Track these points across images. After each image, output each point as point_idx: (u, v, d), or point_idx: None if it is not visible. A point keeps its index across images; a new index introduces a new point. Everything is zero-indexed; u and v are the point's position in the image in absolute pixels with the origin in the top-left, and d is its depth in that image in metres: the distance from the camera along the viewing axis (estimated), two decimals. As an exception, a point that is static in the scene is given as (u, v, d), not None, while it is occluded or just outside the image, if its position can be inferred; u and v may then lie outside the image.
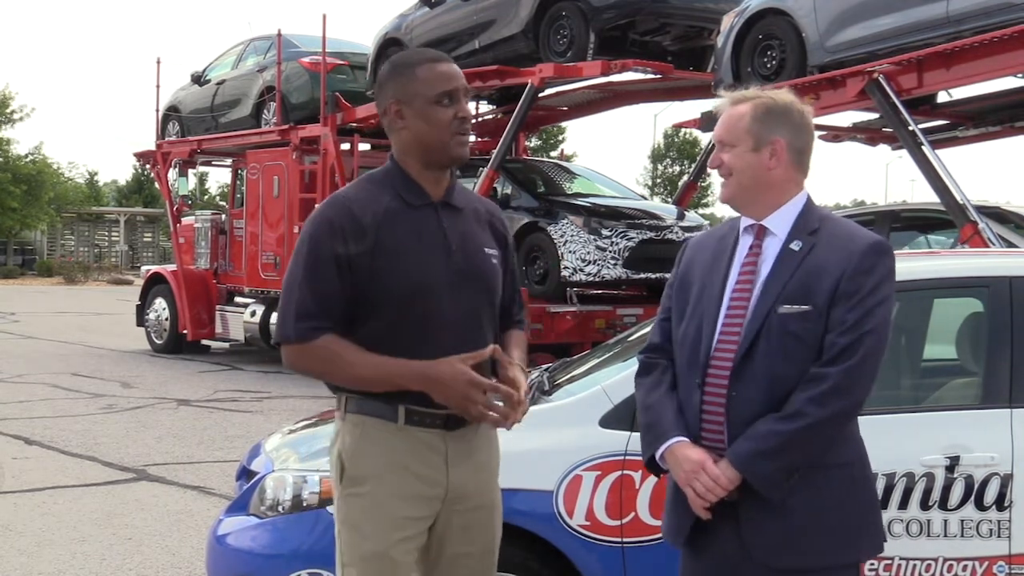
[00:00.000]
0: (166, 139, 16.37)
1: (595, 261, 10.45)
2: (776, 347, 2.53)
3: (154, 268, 17.00)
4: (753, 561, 2.55)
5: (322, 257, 2.57)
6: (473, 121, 14.12)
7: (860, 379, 2.51)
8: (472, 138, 15.73)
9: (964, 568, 3.38)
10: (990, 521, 3.36)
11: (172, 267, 16.12)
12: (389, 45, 12.75)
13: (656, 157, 53.37)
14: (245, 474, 4.20)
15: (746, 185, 2.64)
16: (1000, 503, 3.36)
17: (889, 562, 3.39)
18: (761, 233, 2.65)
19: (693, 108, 43.67)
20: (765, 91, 2.71)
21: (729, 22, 9.23)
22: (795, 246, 2.60)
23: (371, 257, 2.58)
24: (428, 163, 2.67)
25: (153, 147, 16.59)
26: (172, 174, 15.60)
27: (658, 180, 52.37)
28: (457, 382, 2.53)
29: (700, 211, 38.79)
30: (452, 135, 2.64)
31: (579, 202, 11.18)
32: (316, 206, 2.72)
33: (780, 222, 2.63)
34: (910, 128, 8.09)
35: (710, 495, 2.53)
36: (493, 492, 2.78)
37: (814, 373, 2.49)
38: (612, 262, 10.51)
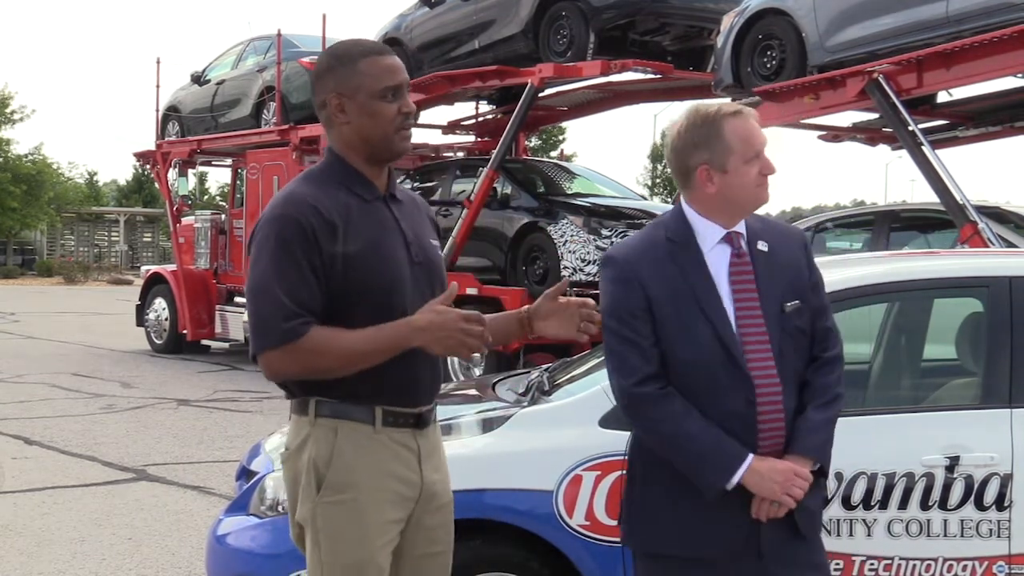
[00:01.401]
0: (166, 139, 16.36)
1: (595, 261, 10.43)
2: (791, 344, 2.65)
3: (154, 268, 16.98)
4: (795, 540, 2.65)
5: (295, 257, 2.45)
6: (473, 121, 14.31)
7: None
8: (472, 138, 15.77)
9: (964, 568, 3.38)
10: (990, 521, 3.37)
11: (172, 267, 16.11)
12: (389, 45, 12.73)
13: (656, 157, 53.32)
14: (245, 474, 4.20)
15: None
16: (1000, 503, 3.36)
17: (889, 562, 3.39)
18: (738, 240, 2.68)
19: (693, 108, 43.47)
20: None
21: (729, 22, 9.23)
22: (762, 247, 2.69)
23: (343, 256, 2.50)
24: (371, 158, 2.61)
25: (153, 147, 16.58)
26: (172, 174, 15.59)
27: (658, 180, 52.34)
28: (451, 322, 2.44)
29: (700, 211, 38.64)
30: (395, 130, 2.57)
31: (579, 202, 11.16)
32: (268, 206, 2.56)
33: (741, 227, 2.71)
34: (910, 128, 8.08)
35: (801, 496, 2.60)
36: (450, 489, 2.77)
37: (827, 357, 2.69)
38: (612, 262, 10.49)
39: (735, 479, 2.57)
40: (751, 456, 2.58)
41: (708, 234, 2.67)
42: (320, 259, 2.48)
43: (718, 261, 2.65)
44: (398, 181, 2.76)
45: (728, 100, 2.99)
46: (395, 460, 2.58)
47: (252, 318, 2.51)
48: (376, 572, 2.55)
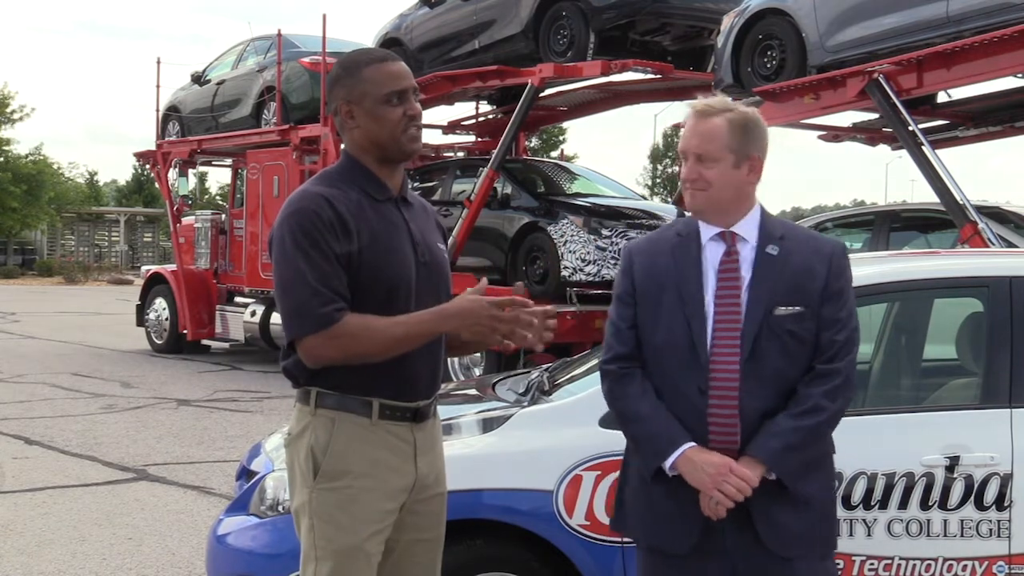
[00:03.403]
0: (166, 139, 16.36)
1: (595, 261, 10.44)
2: (777, 347, 2.63)
3: (154, 268, 16.98)
4: (766, 554, 2.62)
5: (319, 247, 2.58)
6: (473, 121, 14.31)
7: (855, 371, 2.69)
8: (472, 138, 15.76)
9: (964, 568, 3.38)
10: (990, 521, 3.37)
11: (172, 267, 16.11)
12: (389, 45, 12.76)
13: (656, 157, 53.36)
14: (245, 474, 4.21)
15: (726, 199, 2.72)
16: (1000, 503, 3.36)
17: (889, 562, 3.39)
18: (734, 239, 2.72)
19: (693, 108, 43.46)
20: (731, 103, 2.75)
21: (729, 22, 9.23)
22: (771, 251, 2.70)
23: (355, 251, 2.61)
24: (382, 159, 2.73)
25: (153, 147, 16.58)
26: (172, 174, 15.59)
27: (658, 180, 52.35)
28: (481, 308, 2.58)
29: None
30: (401, 132, 2.69)
31: (579, 202, 11.17)
32: (283, 206, 2.68)
33: (748, 228, 2.74)
34: (910, 128, 8.08)
35: (739, 496, 2.58)
36: (445, 481, 2.87)
37: (823, 369, 2.64)
38: (612, 262, 10.50)
39: (667, 463, 2.64)
40: (689, 444, 2.63)
41: (705, 231, 2.75)
42: (338, 251, 2.60)
43: (712, 257, 2.72)
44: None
45: None
46: (390, 452, 2.68)
47: (287, 307, 2.60)
48: (364, 559, 2.65)
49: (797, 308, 2.65)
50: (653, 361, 2.72)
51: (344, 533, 2.63)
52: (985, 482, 3.37)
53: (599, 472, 3.49)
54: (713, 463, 2.59)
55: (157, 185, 21.63)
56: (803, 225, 2.75)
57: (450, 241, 10.71)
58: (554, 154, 27.99)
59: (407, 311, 2.64)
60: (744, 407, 2.63)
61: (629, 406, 2.73)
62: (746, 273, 2.69)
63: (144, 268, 18.42)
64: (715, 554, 2.65)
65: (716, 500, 2.60)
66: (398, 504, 2.70)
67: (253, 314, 13.91)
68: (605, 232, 10.52)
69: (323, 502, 2.65)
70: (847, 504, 3.40)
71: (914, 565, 3.39)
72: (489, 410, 3.95)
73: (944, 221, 8.37)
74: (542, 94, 11.69)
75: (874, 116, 9.66)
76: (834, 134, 10.72)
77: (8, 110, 39.55)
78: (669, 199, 20.99)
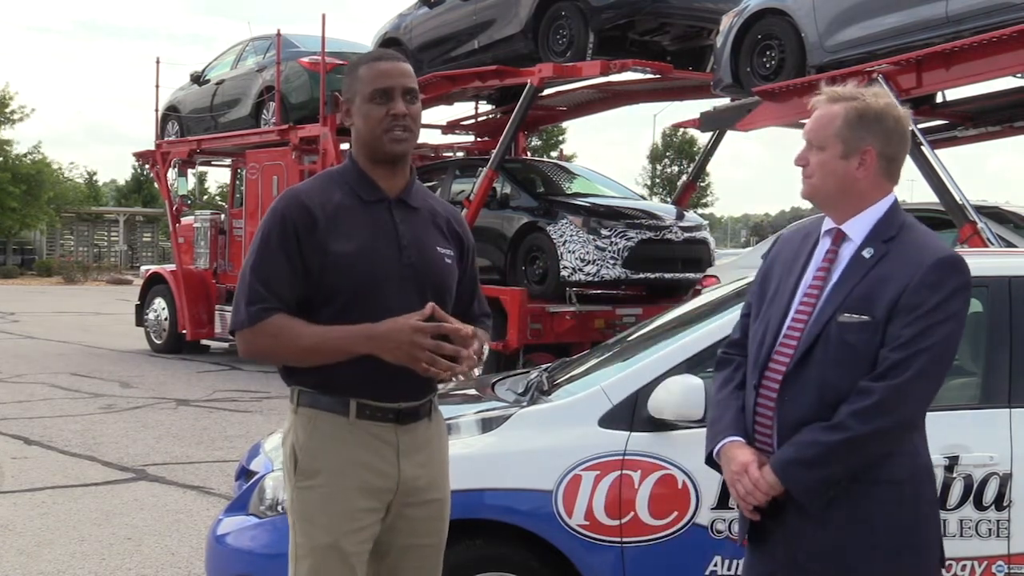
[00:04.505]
0: (165, 139, 16.36)
1: (594, 261, 10.45)
2: (831, 356, 2.49)
3: (153, 268, 16.98)
4: (797, 565, 2.54)
5: (272, 248, 2.63)
6: (472, 121, 14.30)
7: (907, 398, 2.44)
8: (472, 138, 15.73)
9: (963, 568, 3.38)
10: (989, 521, 3.37)
11: (171, 267, 16.11)
12: (389, 45, 12.76)
13: (655, 157, 53.35)
14: (244, 474, 4.21)
15: (829, 190, 2.59)
16: (999, 503, 3.37)
17: (888, 562, 3.38)
18: (839, 238, 2.60)
19: (692, 108, 43.67)
20: (863, 92, 2.60)
21: (728, 22, 9.23)
22: (867, 253, 2.53)
23: (322, 250, 2.62)
24: (372, 158, 2.72)
25: (152, 147, 16.58)
26: (171, 174, 15.59)
27: (657, 180, 52.34)
28: (402, 332, 2.54)
29: (699, 211, 38.82)
30: (384, 132, 2.66)
31: (578, 202, 11.17)
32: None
33: (858, 228, 2.57)
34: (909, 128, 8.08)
35: (750, 498, 2.54)
36: (445, 486, 2.83)
37: (861, 387, 2.44)
38: (611, 262, 10.51)
39: (714, 451, 2.66)
40: (731, 438, 2.61)
41: (824, 227, 2.65)
42: (299, 251, 2.62)
43: (818, 255, 2.63)
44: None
45: None
46: (367, 451, 2.66)
47: (233, 299, 2.74)
48: (341, 558, 2.63)
49: (863, 318, 2.46)
50: (751, 351, 2.71)
51: (320, 531, 2.64)
52: (984, 482, 3.37)
53: (598, 472, 3.49)
54: (737, 460, 2.56)
55: (156, 185, 21.64)
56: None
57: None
58: (554, 154, 28.00)
59: (375, 310, 2.60)
60: (781, 411, 2.54)
61: (715, 391, 2.77)
62: (835, 275, 2.56)
63: (143, 268, 18.41)
64: (767, 553, 2.62)
65: (733, 498, 2.60)
66: (380, 504, 2.67)
67: (252, 314, 13.88)
68: (604, 232, 10.52)
69: (302, 500, 2.68)
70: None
71: (913, 565, 3.38)
72: (488, 410, 3.95)
73: (943, 221, 8.37)
74: (541, 94, 11.70)
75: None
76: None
77: (8, 110, 39.52)
78: (668, 199, 20.98)
